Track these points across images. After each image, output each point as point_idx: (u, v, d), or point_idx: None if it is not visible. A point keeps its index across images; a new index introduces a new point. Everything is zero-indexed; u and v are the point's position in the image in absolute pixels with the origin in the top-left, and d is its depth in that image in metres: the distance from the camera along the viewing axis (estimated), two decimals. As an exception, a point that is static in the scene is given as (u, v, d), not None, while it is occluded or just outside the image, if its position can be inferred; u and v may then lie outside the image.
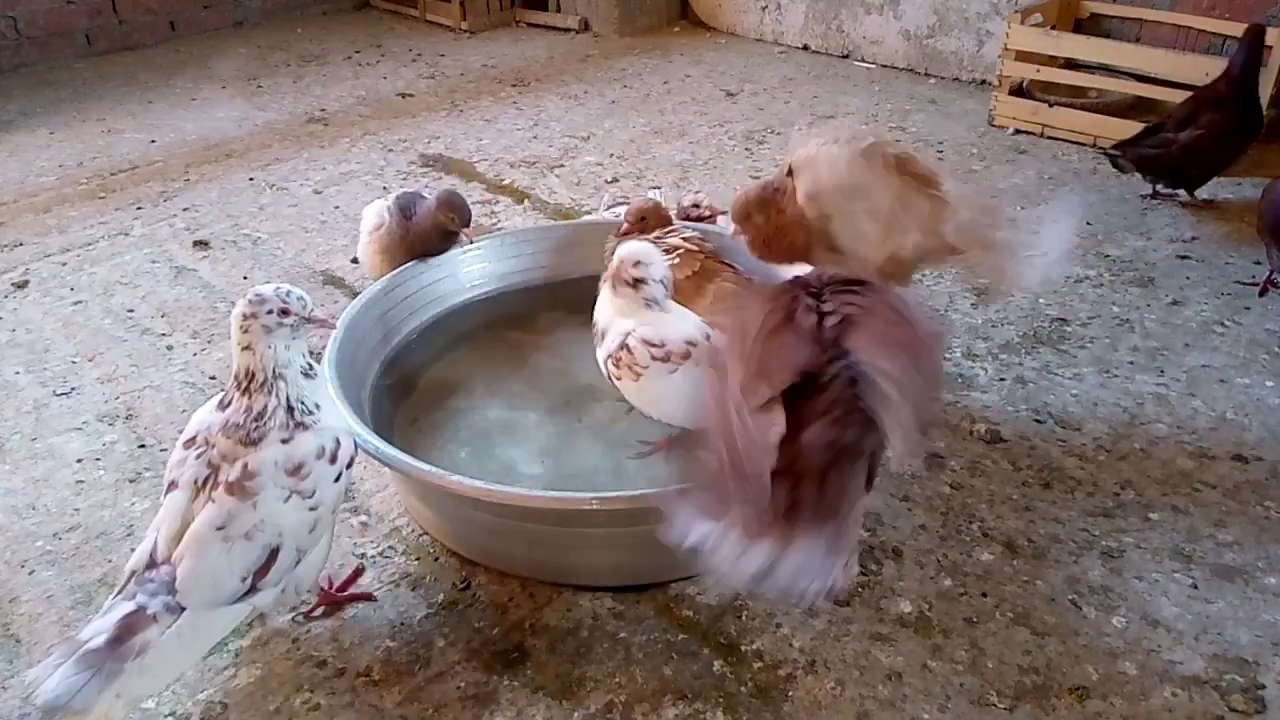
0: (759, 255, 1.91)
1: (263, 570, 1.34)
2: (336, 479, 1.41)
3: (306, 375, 1.42)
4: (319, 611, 1.60)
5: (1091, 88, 3.52)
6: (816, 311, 1.31)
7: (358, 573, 1.67)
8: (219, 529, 1.30)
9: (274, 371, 1.37)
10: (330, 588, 1.61)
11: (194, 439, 1.38)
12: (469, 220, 2.17)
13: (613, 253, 2.15)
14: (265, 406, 1.36)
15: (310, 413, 1.39)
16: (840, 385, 1.23)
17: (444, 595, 1.64)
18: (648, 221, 2.17)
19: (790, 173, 1.83)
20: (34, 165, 3.43)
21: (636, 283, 1.70)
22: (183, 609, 1.28)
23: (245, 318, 1.36)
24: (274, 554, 1.34)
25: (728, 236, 2.21)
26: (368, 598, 1.63)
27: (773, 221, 1.83)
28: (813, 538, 1.16)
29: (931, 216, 1.78)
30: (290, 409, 1.37)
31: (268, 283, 1.42)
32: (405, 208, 2.20)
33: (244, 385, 1.37)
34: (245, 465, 1.32)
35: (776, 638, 1.54)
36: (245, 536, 1.31)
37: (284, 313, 1.37)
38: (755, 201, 1.84)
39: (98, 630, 1.24)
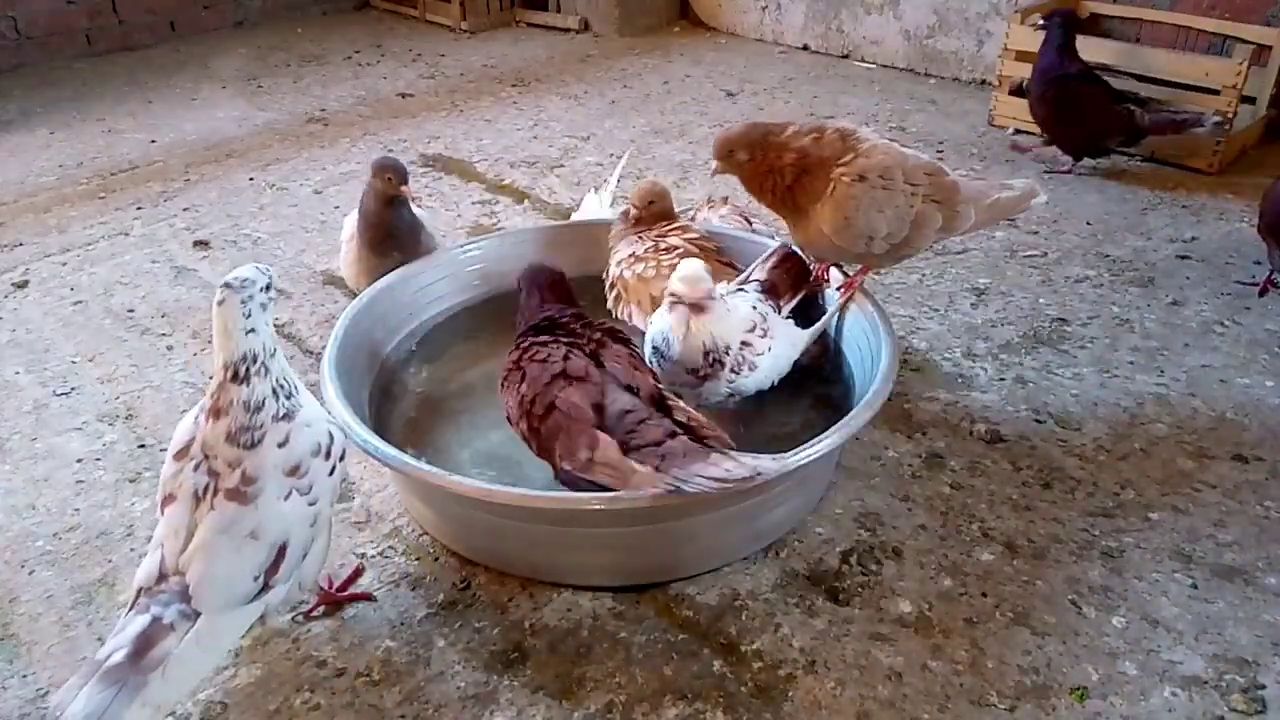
0: (751, 190, 1.93)
1: (273, 568, 1.35)
2: (331, 473, 1.42)
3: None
4: (319, 611, 1.60)
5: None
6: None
7: (358, 572, 1.67)
8: (224, 533, 1.31)
9: (269, 350, 1.37)
10: (330, 587, 1.61)
11: (185, 450, 1.37)
12: (405, 177, 2.13)
13: (618, 238, 2.16)
14: (262, 394, 1.35)
15: (291, 395, 1.39)
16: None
17: (444, 595, 1.64)
18: (655, 206, 2.16)
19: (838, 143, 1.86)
20: (34, 165, 3.43)
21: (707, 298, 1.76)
22: (198, 615, 1.28)
23: (245, 301, 1.35)
24: (282, 550, 1.35)
25: (730, 236, 2.22)
26: (367, 597, 1.63)
27: (759, 163, 1.86)
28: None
29: (942, 229, 1.94)
30: (275, 391, 1.37)
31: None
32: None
33: (241, 374, 1.35)
34: (244, 471, 1.32)
35: (776, 638, 1.54)
36: (252, 536, 1.32)
37: (269, 288, 1.38)
38: (739, 139, 1.86)
39: (116, 646, 1.24)
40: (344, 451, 1.45)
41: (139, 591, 1.31)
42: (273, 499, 1.33)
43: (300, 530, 1.37)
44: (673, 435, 1.50)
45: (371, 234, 2.17)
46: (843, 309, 2.01)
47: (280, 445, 1.35)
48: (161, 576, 1.31)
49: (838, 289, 2.03)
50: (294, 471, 1.35)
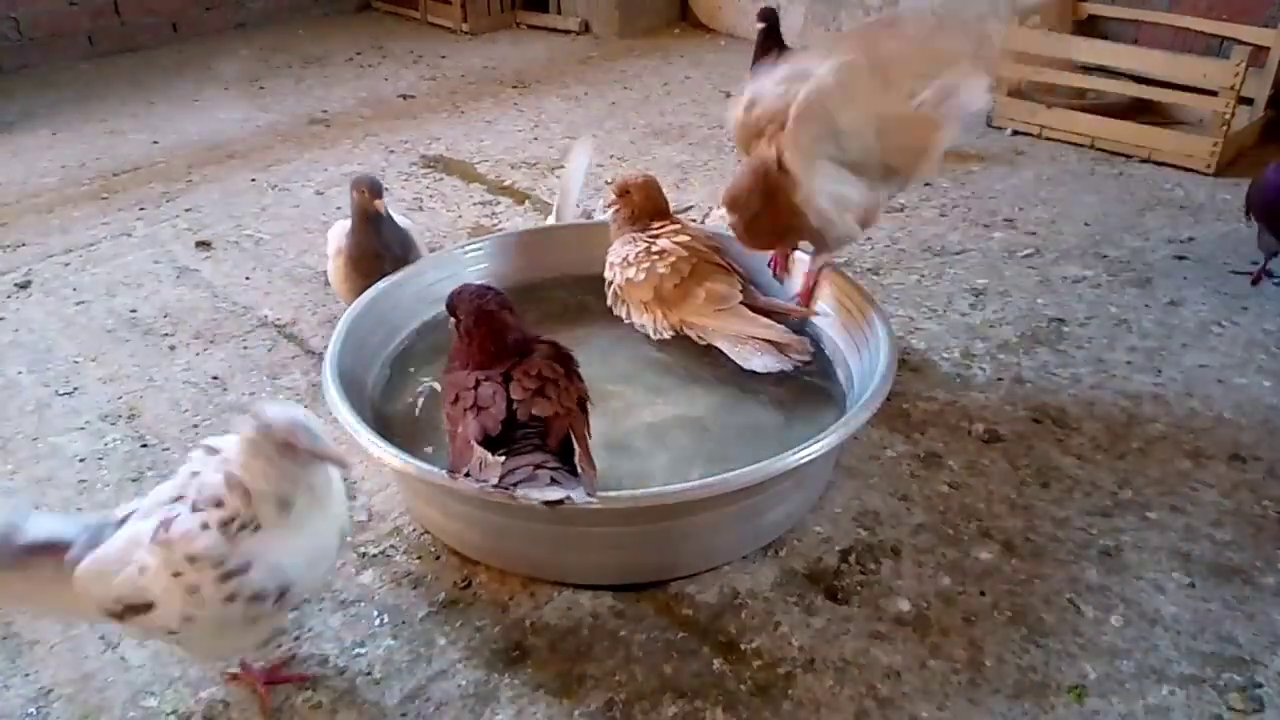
0: (746, 241, 1.99)
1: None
2: (229, 599, 1.25)
3: (280, 509, 1.27)
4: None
5: (1090, 89, 3.52)
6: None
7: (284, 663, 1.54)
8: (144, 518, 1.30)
9: (256, 493, 1.26)
10: (258, 674, 1.48)
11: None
12: (379, 191, 2.07)
13: (615, 236, 2.17)
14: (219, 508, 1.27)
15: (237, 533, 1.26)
16: None
17: (445, 594, 1.65)
18: (632, 196, 2.15)
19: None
20: (37, 166, 3.44)
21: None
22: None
23: (248, 442, 1.26)
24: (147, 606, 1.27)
25: (729, 237, 2.22)
26: (301, 679, 1.50)
27: (769, 211, 1.91)
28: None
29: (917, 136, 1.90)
30: (226, 523, 1.26)
31: (284, 403, 1.32)
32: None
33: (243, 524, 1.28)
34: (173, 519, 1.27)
35: (775, 636, 1.55)
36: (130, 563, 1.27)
37: (288, 446, 1.24)
38: (747, 190, 1.91)
39: (107, 521, 1.34)
40: (264, 594, 1.26)
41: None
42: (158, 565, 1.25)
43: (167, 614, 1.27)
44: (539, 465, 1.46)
45: (357, 252, 2.13)
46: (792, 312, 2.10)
47: (198, 521, 1.26)
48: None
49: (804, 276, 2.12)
50: (192, 560, 1.24)
